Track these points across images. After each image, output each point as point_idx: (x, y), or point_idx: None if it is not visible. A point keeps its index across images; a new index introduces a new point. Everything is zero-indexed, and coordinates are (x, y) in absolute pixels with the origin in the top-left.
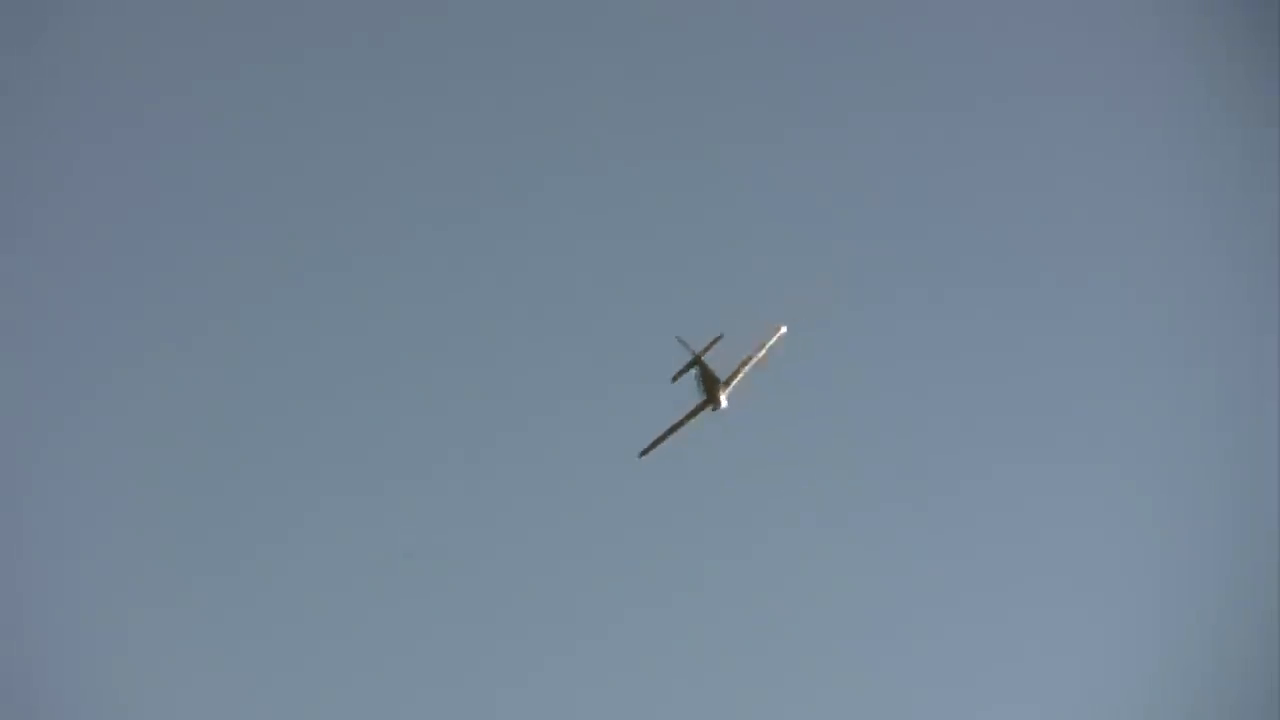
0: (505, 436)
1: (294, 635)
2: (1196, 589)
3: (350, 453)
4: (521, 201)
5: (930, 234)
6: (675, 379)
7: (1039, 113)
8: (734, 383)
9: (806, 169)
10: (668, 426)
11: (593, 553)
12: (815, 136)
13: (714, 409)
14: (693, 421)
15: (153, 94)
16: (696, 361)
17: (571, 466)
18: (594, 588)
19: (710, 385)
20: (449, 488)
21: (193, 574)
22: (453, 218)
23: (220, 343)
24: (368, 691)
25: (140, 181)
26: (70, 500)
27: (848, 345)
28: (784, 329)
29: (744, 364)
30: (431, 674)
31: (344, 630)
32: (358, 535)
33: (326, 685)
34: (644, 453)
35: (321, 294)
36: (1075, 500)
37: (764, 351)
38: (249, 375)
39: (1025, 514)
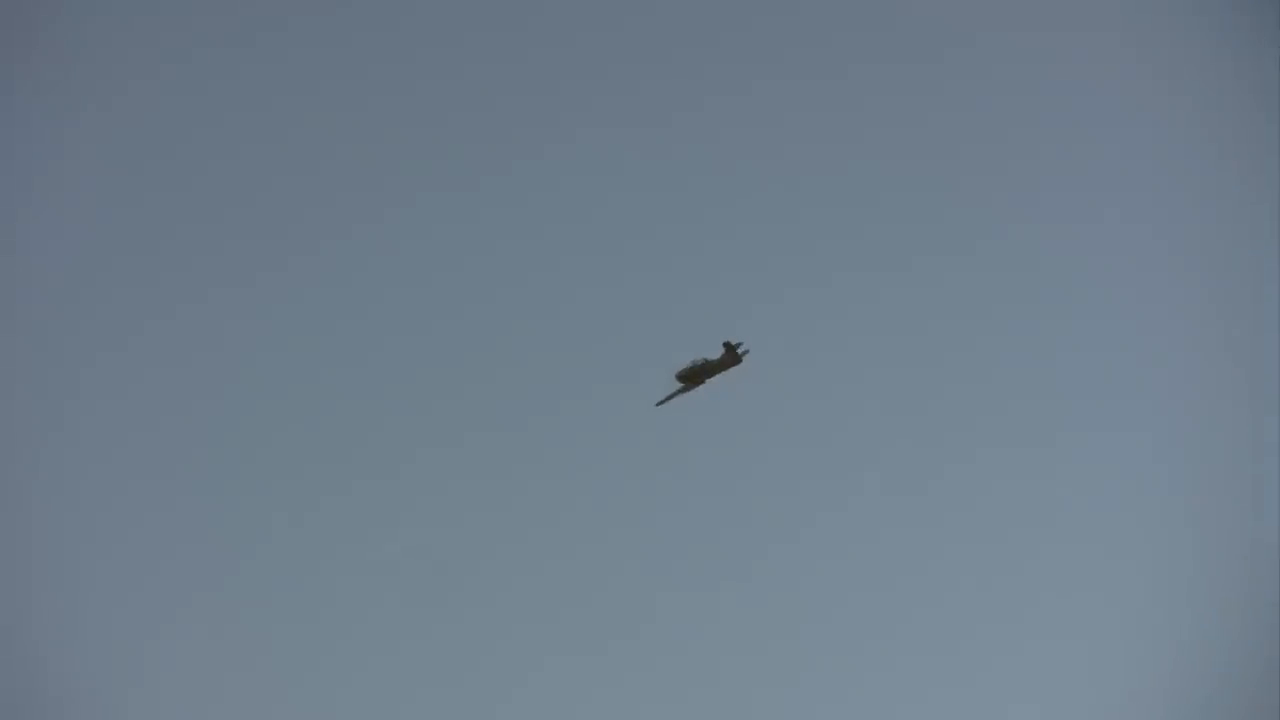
0: (501, 433)
1: (300, 634)
2: (1198, 588)
3: (351, 450)
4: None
5: (924, 223)
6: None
7: (1038, 113)
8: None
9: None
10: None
11: (579, 550)
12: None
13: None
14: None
15: (152, 96)
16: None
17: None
18: (587, 585)
19: (698, 375)
20: (447, 486)
21: (198, 574)
22: (449, 214)
23: (221, 342)
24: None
25: (139, 185)
26: (68, 499)
27: (843, 339)
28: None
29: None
30: (437, 670)
31: (350, 629)
32: (359, 532)
33: (329, 685)
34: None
35: (322, 292)
36: (1076, 500)
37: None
38: (249, 375)
39: (1026, 512)
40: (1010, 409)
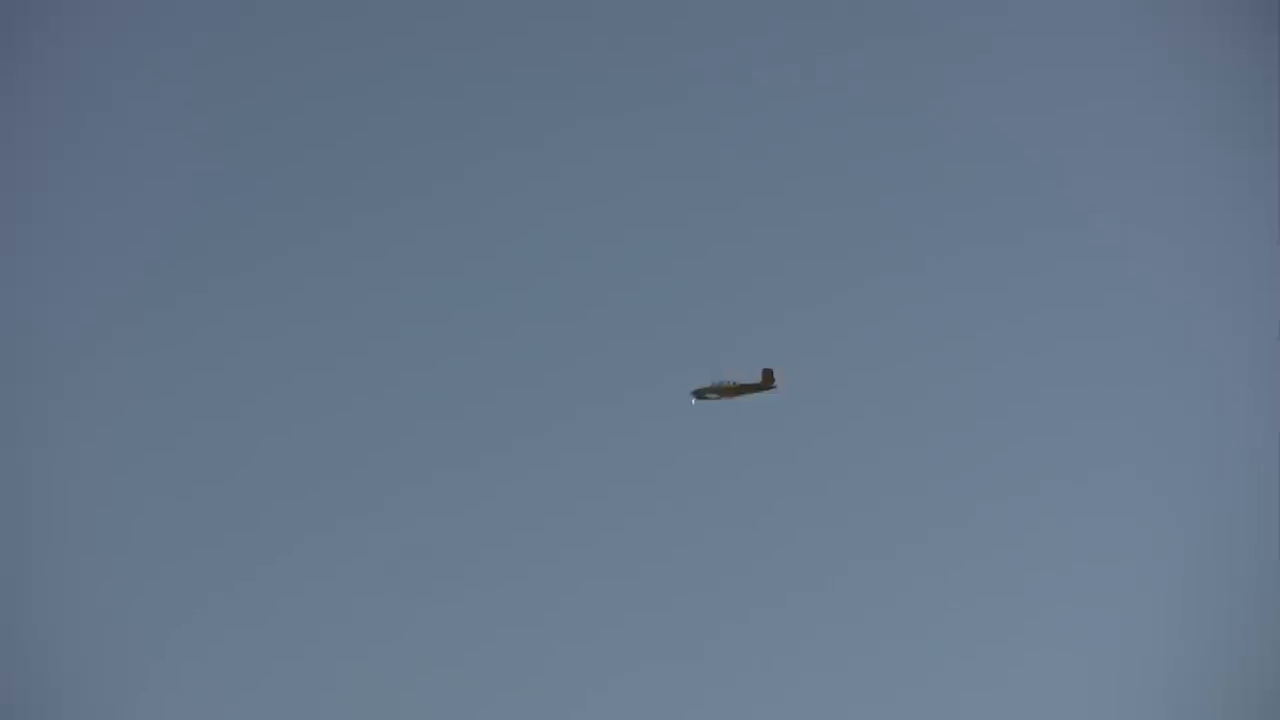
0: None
1: (307, 633)
2: (1200, 587)
3: (363, 452)
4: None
5: (932, 232)
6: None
7: (1039, 116)
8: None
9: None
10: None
11: (602, 554)
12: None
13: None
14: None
15: (160, 103)
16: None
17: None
18: (603, 587)
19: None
20: (455, 490)
21: (205, 575)
22: (457, 220)
23: (227, 346)
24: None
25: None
26: (70, 499)
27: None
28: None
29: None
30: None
31: (354, 629)
32: (366, 535)
33: (329, 686)
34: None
35: (328, 296)
36: (1079, 499)
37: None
38: (258, 379)
39: (1030, 514)
40: (1013, 410)
